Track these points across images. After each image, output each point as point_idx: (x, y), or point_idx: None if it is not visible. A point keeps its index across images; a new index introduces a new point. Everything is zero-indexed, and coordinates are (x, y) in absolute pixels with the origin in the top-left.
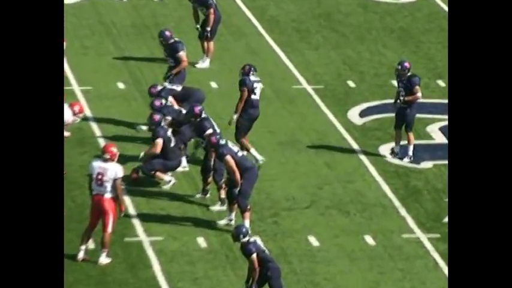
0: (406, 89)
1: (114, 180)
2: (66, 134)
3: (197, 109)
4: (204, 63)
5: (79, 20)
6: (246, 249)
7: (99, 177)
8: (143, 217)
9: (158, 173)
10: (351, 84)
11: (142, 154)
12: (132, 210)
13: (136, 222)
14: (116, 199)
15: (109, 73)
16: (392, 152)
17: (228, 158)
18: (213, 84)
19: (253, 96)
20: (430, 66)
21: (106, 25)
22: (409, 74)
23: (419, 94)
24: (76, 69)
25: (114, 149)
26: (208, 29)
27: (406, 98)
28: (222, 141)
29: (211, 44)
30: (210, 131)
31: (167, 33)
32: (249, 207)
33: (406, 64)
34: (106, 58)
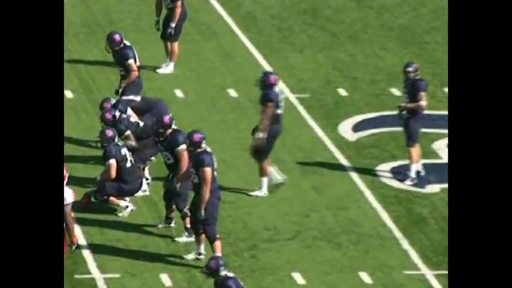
0: (410, 95)
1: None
2: None
3: (167, 118)
4: (167, 68)
5: None
6: (226, 285)
7: None
8: (96, 250)
9: (112, 198)
10: (343, 92)
11: (98, 177)
12: (83, 242)
13: (89, 256)
14: (65, 229)
15: None
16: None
17: (209, 170)
18: (178, 93)
19: (278, 111)
20: (437, 72)
21: None
22: (416, 77)
23: (423, 102)
24: None
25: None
26: (173, 25)
27: (408, 106)
28: (206, 147)
29: (176, 44)
30: (183, 146)
31: (116, 37)
32: (218, 235)
33: (416, 65)
34: None
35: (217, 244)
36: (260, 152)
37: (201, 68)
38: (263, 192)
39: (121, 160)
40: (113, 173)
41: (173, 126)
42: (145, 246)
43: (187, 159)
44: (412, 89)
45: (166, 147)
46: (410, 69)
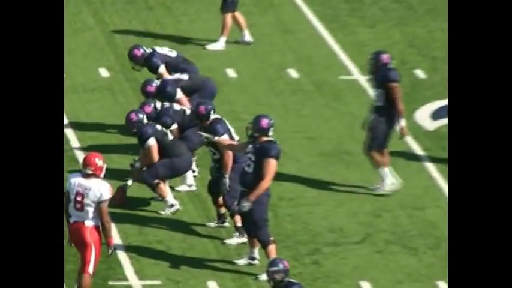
0: None
1: (99, 203)
2: None
3: (202, 109)
4: (217, 44)
5: None
6: None
7: (79, 198)
8: (134, 253)
9: (162, 187)
10: (420, 74)
11: (137, 164)
12: (119, 244)
13: (125, 260)
14: (100, 229)
15: (87, 55)
16: None
17: (275, 162)
18: (230, 73)
19: None
20: None
21: None
22: None
23: None
24: None
25: (100, 161)
26: None
27: None
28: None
29: (228, 17)
30: (224, 137)
31: (136, 52)
32: (272, 238)
33: None
34: (84, 35)
35: (272, 248)
36: (376, 141)
37: (257, 45)
38: (390, 182)
39: (161, 137)
40: (155, 155)
41: (213, 116)
42: (190, 249)
43: (230, 153)
44: None
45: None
46: None
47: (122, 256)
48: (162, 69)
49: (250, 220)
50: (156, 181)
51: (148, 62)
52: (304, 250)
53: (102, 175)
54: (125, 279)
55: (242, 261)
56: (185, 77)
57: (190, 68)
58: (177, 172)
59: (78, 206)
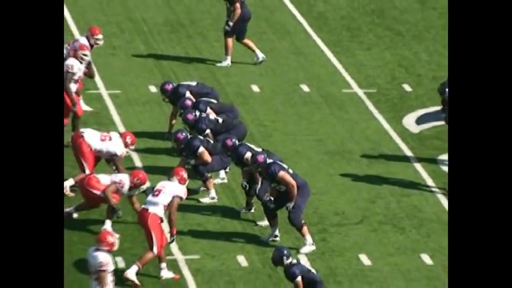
0: None
1: (173, 197)
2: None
3: (229, 141)
4: (224, 62)
5: (107, 16)
6: (289, 273)
7: (156, 192)
8: (178, 233)
9: (211, 181)
10: (407, 88)
11: (192, 161)
12: (165, 227)
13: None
14: (167, 220)
15: (140, 75)
16: None
17: (282, 173)
18: (254, 88)
19: None
20: None
21: (136, 22)
22: None
23: None
24: (103, 71)
25: (185, 174)
26: (231, 24)
27: None
28: (269, 160)
29: (230, 41)
30: (248, 154)
31: (167, 86)
32: (303, 221)
33: None
34: (136, 59)
35: (305, 230)
36: None
37: (276, 65)
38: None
39: (206, 144)
40: (208, 157)
41: (236, 143)
42: (223, 229)
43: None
44: None
45: (236, 162)
46: None
47: (168, 236)
48: (188, 94)
49: (292, 206)
50: (209, 175)
51: (176, 93)
52: (314, 230)
53: (185, 185)
54: (171, 254)
55: (266, 239)
56: (214, 101)
57: (212, 91)
58: (225, 164)
59: (156, 193)
